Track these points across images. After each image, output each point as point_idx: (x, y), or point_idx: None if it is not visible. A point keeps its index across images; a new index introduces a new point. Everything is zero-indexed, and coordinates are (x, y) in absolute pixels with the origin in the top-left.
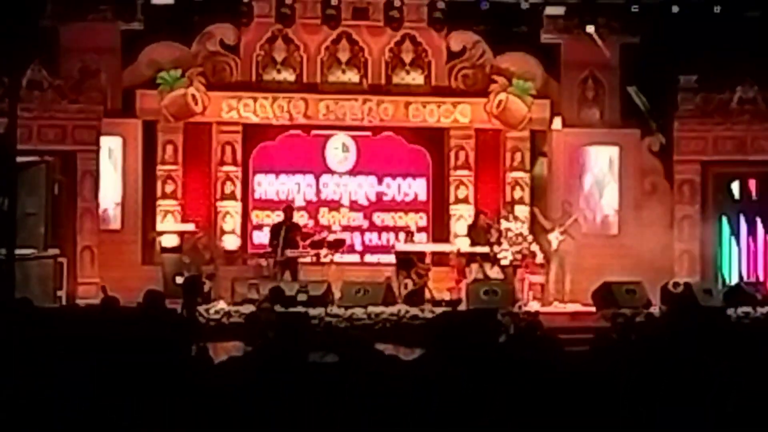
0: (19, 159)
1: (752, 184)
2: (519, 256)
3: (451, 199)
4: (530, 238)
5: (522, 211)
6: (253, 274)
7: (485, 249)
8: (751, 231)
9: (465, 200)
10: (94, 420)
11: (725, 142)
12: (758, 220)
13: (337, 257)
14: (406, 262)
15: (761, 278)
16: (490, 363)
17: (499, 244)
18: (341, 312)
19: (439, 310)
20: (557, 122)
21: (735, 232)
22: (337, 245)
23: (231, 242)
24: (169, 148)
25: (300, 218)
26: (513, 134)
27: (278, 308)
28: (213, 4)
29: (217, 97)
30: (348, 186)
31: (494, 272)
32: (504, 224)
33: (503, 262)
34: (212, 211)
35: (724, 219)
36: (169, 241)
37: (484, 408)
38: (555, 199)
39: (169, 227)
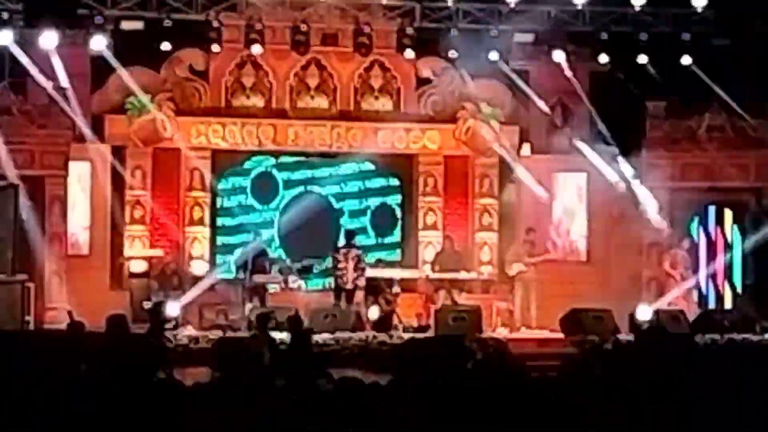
0: None
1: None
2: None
3: (420, 225)
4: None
5: (490, 237)
6: (221, 299)
7: (453, 275)
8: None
9: (433, 227)
10: None
11: (693, 168)
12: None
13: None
14: (375, 288)
15: None
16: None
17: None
18: None
19: (407, 336)
20: (526, 149)
21: None
22: (306, 271)
23: (199, 268)
24: (138, 174)
25: None
26: (481, 161)
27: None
28: (182, 30)
29: (186, 122)
30: None
31: (462, 298)
32: (353, 252)
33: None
34: (181, 237)
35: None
36: (138, 266)
37: None
38: (523, 226)
39: (138, 253)
